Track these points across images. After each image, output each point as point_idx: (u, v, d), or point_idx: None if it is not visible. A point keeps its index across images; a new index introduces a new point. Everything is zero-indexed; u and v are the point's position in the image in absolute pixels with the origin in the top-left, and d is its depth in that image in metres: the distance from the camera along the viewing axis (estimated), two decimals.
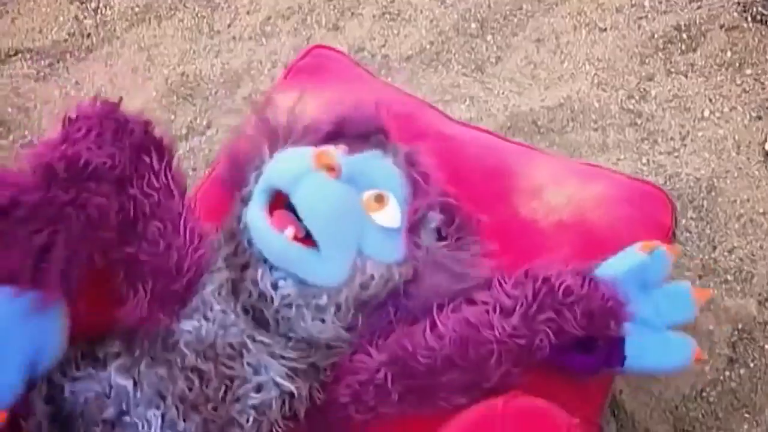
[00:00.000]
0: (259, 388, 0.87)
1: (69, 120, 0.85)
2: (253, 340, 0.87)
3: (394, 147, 0.95)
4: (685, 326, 0.93)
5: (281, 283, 0.88)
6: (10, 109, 1.47)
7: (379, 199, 0.88)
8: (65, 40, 1.56)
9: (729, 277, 1.28)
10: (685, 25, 1.52)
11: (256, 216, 0.88)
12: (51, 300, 0.79)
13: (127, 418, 0.84)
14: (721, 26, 1.52)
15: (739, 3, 1.53)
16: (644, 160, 1.40)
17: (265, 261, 0.88)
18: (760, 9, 1.52)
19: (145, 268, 0.85)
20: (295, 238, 0.86)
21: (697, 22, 1.52)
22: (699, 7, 1.54)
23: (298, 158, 0.88)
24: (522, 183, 1.01)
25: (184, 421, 0.84)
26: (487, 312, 0.86)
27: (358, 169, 0.89)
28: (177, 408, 0.84)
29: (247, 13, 1.60)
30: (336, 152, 0.89)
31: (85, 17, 1.58)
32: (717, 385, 1.21)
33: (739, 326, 1.24)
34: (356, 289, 0.88)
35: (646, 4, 1.56)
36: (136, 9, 1.60)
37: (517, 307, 0.85)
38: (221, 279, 0.88)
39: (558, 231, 0.97)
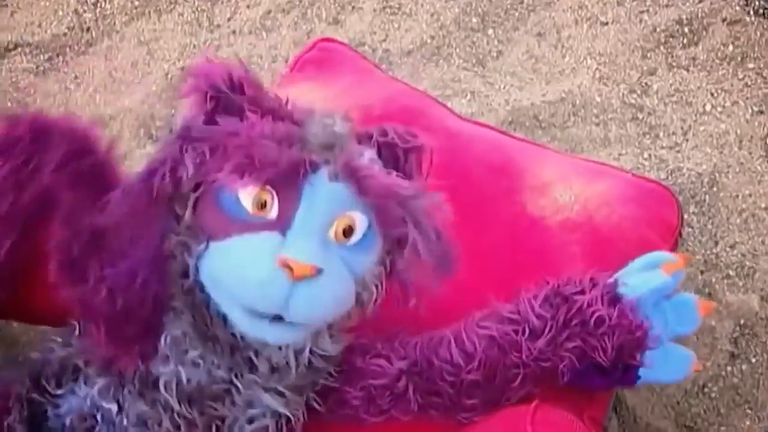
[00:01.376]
0: (251, 420, 0.82)
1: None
2: (241, 377, 0.81)
3: (326, 157, 0.79)
4: None
5: (292, 344, 0.81)
6: (9, 104, 1.46)
7: (348, 232, 0.79)
8: (65, 34, 1.54)
9: (731, 273, 1.29)
10: (686, 18, 1.52)
11: (242, 321, 0.78)
12: None
13: None
14: (723, 20, 1.51)
15: None
16: (646, 155, 1.40)
17: None
18: (762, 2, 1.51)
19: (93, 311, 0.78)
20: None
21: (699, 15, 1.52)
22: (701, 1, 1.54)
23: (268, 279, 0.74)
24: (529, 180, 1.01)
25: None
26: (516, 332, 0.84)
27: (309, 220, 0.77)
28: None
29: (247, 6, 1.59)
30: (295, 246, 0.75)
31: (84, 11, 1.57)
32: (719, 381, 1.21)
33: (741, 322, 1.24)
34: (367, 307, 0.83)
35: None
36: (136, 3, 1.58)
37: (546, 331, 0.83)
38: (184, 325, 0.80)
39: (566, 229, 0.97)
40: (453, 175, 1.00)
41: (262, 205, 0.76)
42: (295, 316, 0.75)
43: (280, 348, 0.81)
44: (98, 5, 1.58)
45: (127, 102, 1.46)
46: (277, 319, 0.76)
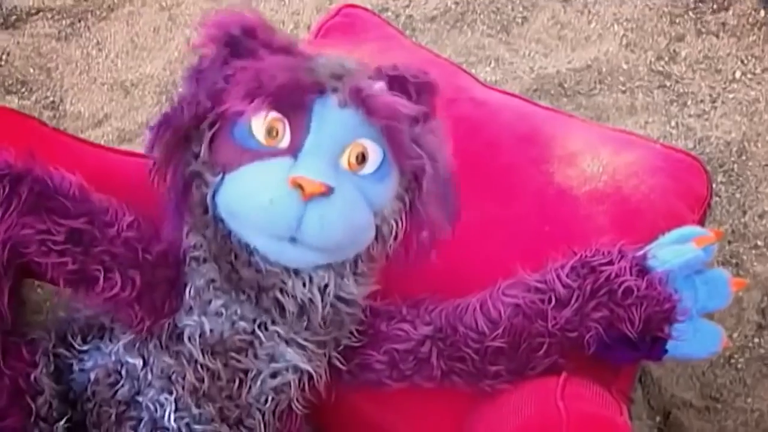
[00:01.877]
0: (275, 374, 0.83)
1: None
2: (265, 329, 0.82)
3: (334, 85, 0.80)
4: None
5: (315, 278, 0.81)
6: (32, 69, 1.45)
7: (360, 159, 0.79)
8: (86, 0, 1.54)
9: (759, 243, 1.27)
10: None
11: (270, 246, 0.79)
12: None
13: (140, 399, 0.82)
14: None
15: None
16: (673, 123, 1.38)
17: (286, 267, 0.81)
18: None
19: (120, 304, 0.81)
20: None
21: None
22: None
23: (280, 200, 0.75)
24: (556, 150, 1.00)
25: (198, 407, 0.82)
26: (542, 301, 0.84)
27: (319, 144, 0.78)
28: (189, 396, 0.81)
29: None
30: (305, 166, 0.77)
31: None
32: (745, 352, 1.21)
33: None
34: (389, 242, 0.83)
35: None
36: None
37: (572, 300, 0.83)
38: (211, 273, 0.81)
39: (594, 200, 0.96)
40: (480, 145, 1.00)
41: (275, 134, 0.78)
42: (309, 237, 0.76)
43: (304, 284, 0.81)
44: None
45: (148, 68, 1.46)
46: (295, 240, 0.77)
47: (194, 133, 0.80)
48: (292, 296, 0.81)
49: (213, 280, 0.81)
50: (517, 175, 0.98)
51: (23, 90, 1.44)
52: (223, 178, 0.79)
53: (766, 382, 1.19)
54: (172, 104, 0.82)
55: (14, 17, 1.51)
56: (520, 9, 1.52)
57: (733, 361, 1.20)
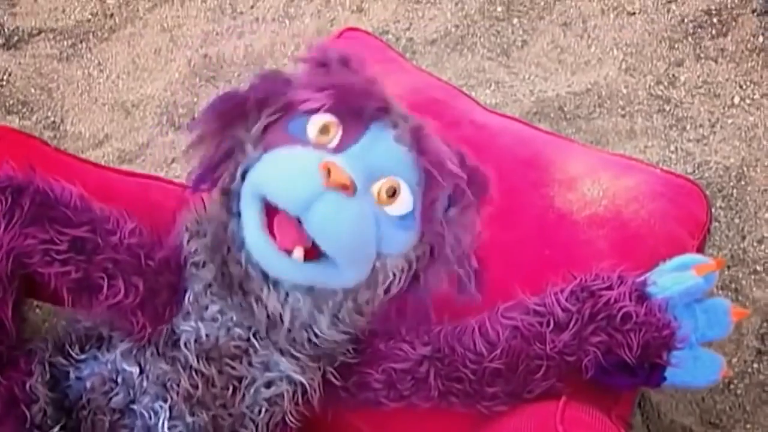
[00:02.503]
0: (269, 384, 0.84)
1: None
2: (260, 337, 0.82)
3: (396, 120, 0.82)
4: None
5: (291, 298, 0.81)
6: (33, 90, 1.46)
7: (391, 193, 0.79)
8: (88, 20, 1.54)
9: (758, 268, 1.27)
10: (715, 9, 1.50)
11: (255, 235, 0.77)
12: None
13: (135, 406, 0.82)
14: (753, 11, 1.49)
15: None
16: (672, 148, 1.38)
17: (266, 275, 0.80)
18: None
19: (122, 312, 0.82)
20: (306, 253, 0.77)
21: (728, 6, 1.50)
22: None
23: (303, 174, 0.75)
24: (557, 174, 1.00)
25: (192, 415, 0.82)
26: (541, 324, 0.84)
27: (362, 157, 0.79)
28: (184, 403, 0.82)
29: None
30: (342, 162, 0.77)
31: None
32: (745, 378, 1.20)
33: None
34: (380, 293, 0.83)
35: None
36: None
37: (571, 324, 0.83)
38: (208, 276, 0.82)
39: (594, 225, 0.96)
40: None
41: (327, 132, 0.80)
42: (311, 223, 0.74)
43: (278, 299, 0.81)
44: None
45: (149, 89, 1.46)
46: (287, 254, 0.76)
47: (253, 115, 0.82)
48: (265, 306, 0.81)
49: (210, 285, 0.82)
50: (518, 199, 0.98)
51: (24, 110, 1.44)
52: (261, 156, 0.80)
53: (766, 408, 1.18)
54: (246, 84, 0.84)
55: (16, 38, 1.52)
56: (520, 33, 1.53)
57: (732, 386, 1.19)
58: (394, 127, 0.81)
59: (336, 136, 0.80)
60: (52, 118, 1.44)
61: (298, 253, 0.77)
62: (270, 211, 0.77)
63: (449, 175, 0.80)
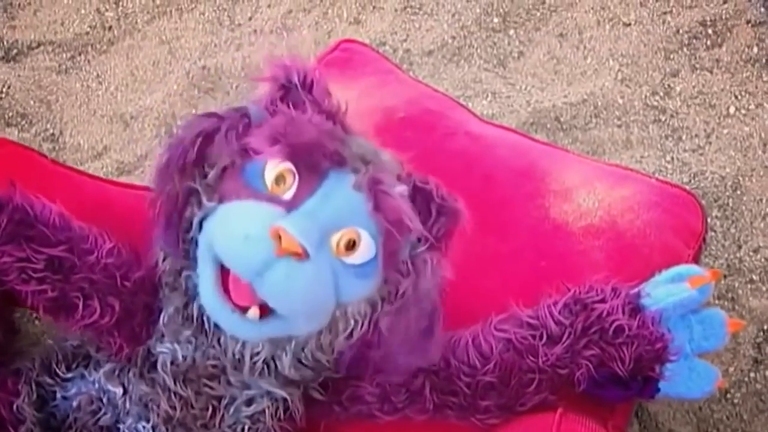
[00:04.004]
0: (250, 402, 0.83)
1: None
2: (233, 366, 0.82)
3: (356, 166, 0.79)
4: None
5: (249, 344, 0.80)
6: (32, 102, 1.46)
7: (351, 245, 0.78)
8: (87, 33, 1.55)
9: (754, 277, 1.27)
10: (710, 20, 1.51)
11: (209, 293, 0.77)
12: None
13: (120, 426, 0.82)
14: (748, 21, 1.50)
15: None
16: (668, 158, 1.39)
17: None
18: None
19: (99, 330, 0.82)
20: (261, 311, 0.76)
21: (723, 17, 1.51)
22: (725, 2, 1.52)
23: (254, 241, 0.74)
24: (552, 185, 1.00)
25: None
26: (534, 337, 0.84)
27: (318, 211, 0.77)
28: (164, 425, 0.81)
29: (268, 6, 1.59)
30: (296, 222, 0.74)
31: (106, 10, 1.58)
32: (741, 387, 1.20)
33: (765, 327, 1.23)
34: (340, 338, 0.81)
35: None
36: (158, 1, 1.59)
37: (564, 337, 0.83)
38: (178, 301, 0.81)
39: (589, 235, 0.96)
40: (476, 179, 1.00)
41: (282, 184, 0.78)
42: (266, 289, 0.74)
43: (236, 344, 0.80)
44: (120, 4, 1.59)
45: (148, 101, 1.47)
46: (242, 311, 0.76)
47: (211, 156, 0.81)
48: (224, 350, 0.81)
49: (181, 308, 0.81)
50: (513, 210, 0.99)
51: (23, 122, 1.44)
52: (216, 207, 0.79)
53: (763, 417, 1.18)
54: (208, 117, 0.82)
55: (15, 51, 1.52)
56: (517, 44, 1.54)
57: (729, 395, 1.19)
58: (354, 172, 0.78)
59: (292, 186, 0.78)
60: (51, 130, 1.45)
61: (254, 312, 0.76)
62: (224, 268, 0.77)
63: (407, 231, 0.78)
